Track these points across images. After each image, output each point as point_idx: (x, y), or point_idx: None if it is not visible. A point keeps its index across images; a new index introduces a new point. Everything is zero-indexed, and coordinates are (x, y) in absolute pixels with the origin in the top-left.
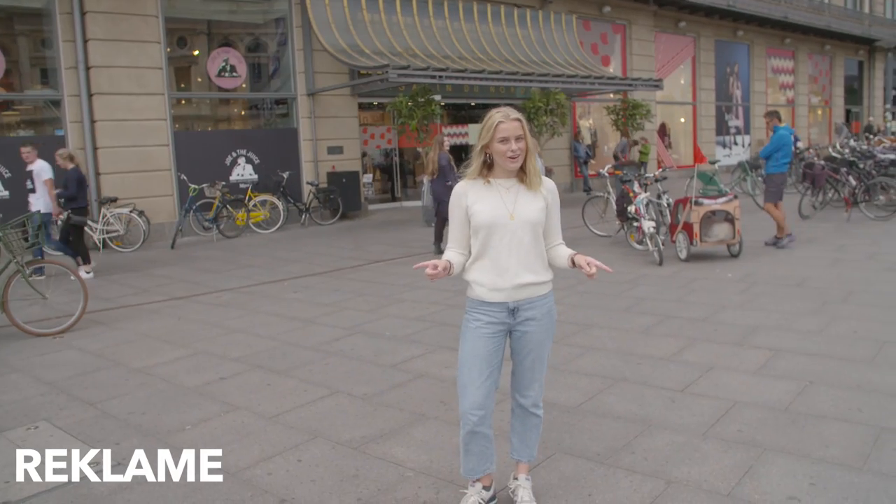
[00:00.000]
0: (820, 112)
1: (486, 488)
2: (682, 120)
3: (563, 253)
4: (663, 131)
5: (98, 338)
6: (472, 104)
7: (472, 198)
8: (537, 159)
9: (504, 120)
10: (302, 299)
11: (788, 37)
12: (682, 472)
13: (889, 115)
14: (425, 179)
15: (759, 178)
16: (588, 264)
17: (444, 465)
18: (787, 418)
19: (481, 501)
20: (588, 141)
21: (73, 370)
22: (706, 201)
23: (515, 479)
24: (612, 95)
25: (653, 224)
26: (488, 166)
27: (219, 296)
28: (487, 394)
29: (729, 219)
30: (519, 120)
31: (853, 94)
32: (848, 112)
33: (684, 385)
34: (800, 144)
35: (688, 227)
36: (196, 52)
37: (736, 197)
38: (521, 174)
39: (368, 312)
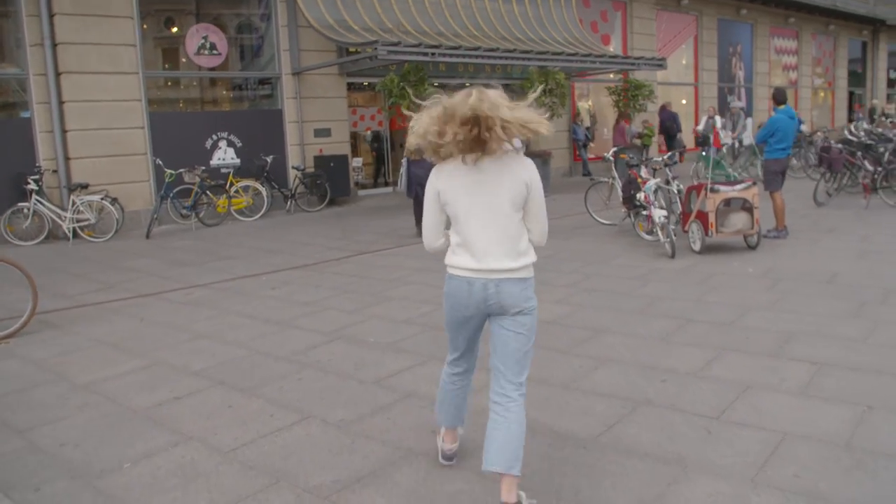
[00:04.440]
0: (822, 94)
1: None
2: (684, 101)
3: None
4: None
5: (46, 344)
6: (467, 84)
7: None
8: None
9: None
10: (280, 297)
11: (792, 16)
12: None
13: None
14: (404, 161)
15: None
16: None
17: None
18: (850, 459)
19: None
20: (587, 123)
21: (8, 386)
22: (723, 188)
23: None
24: (611, 76)
25: (664, 213)
26: None
27: (190, 293)
28: None
29: (747, 207)
30: None
31: (856, 76)
32: (851, 94)
33: (719, 410)
34: (804, 128)
35: (702, 217)
36: (174, 29)
37: (755, 183)
38: None
39: (352, 313)
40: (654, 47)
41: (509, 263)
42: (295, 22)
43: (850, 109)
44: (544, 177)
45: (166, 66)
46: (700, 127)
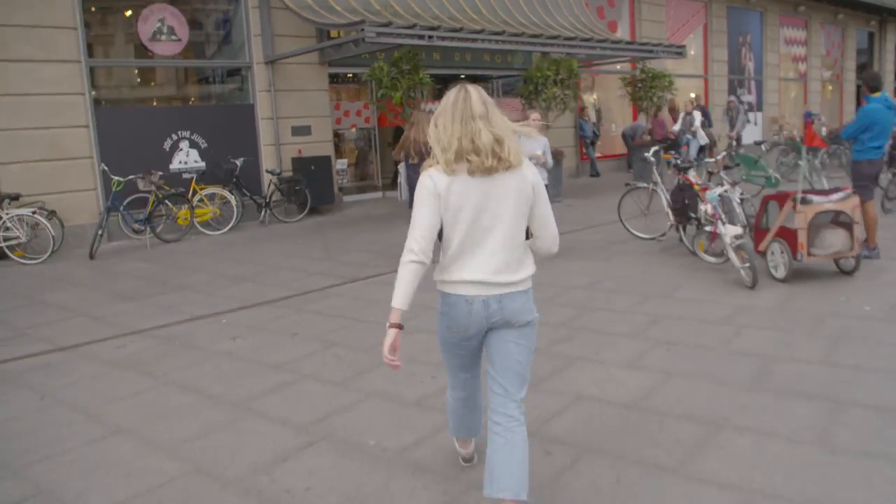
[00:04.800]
0: (830, 88)
1: None
2: (693, 95)
3: None
4: (671, 109)
5: None
6: (462, 76)
7: None
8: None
9: None
10: (241, 354)
11: (802, 4)
12: None
13: None
14: (401, 166)
15: (818, 162)
16: None
17: None
18: None
19: None
20: (594, 119)
21: None
22: (816, 198)
23: None
24: (618, 66)
25: (738, 230)
26: None
27: (123, 344)
28: None
29: (843, 222)
30: None
31: (862, 68)
32: (859, 87)
33: None
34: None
35: (788, 235)
36: (127, 13)
37: (855, 192)
38: None
39: (339, 387)
40: (663, 35)
41: (511, 276)
42: (267, 3)
43: (858, 104)
44: (557, 179)
45: (115, 53)
46: (676, 126)
